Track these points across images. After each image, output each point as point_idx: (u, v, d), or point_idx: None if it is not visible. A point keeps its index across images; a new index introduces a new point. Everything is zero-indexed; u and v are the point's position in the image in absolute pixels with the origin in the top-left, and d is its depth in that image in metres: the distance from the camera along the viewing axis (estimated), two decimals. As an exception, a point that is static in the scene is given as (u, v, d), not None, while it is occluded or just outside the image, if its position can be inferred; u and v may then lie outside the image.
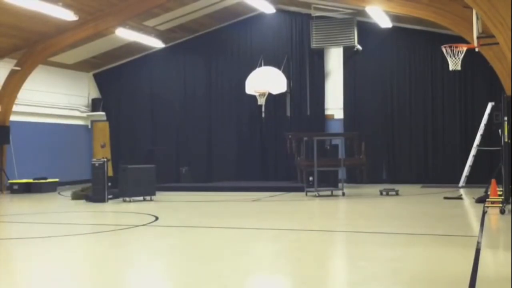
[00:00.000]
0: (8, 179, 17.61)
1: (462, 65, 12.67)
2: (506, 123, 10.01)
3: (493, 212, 10.05)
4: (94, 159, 14.42)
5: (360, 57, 18.51)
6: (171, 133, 20.47)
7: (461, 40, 13.78)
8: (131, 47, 19.85)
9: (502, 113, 10.15)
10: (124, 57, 20.91)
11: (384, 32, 17.82)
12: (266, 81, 17.89)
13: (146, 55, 20.75)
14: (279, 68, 18.58)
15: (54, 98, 19.89)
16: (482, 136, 16.01)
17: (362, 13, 17.05)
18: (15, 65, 17.44)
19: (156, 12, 17.37)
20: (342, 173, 15.68)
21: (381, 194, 14.04)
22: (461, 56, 12.42)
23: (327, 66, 19.10)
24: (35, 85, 18.76)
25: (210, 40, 20.08)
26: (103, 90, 21.59)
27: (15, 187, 17.16)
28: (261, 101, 18.12)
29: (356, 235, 8.35)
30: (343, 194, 14.03)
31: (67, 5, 14.52)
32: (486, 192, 12.01)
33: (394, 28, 17.65)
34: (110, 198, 13.61)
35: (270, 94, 18.07)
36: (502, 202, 10.02)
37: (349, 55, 18.65)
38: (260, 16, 19.30)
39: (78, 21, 15.57)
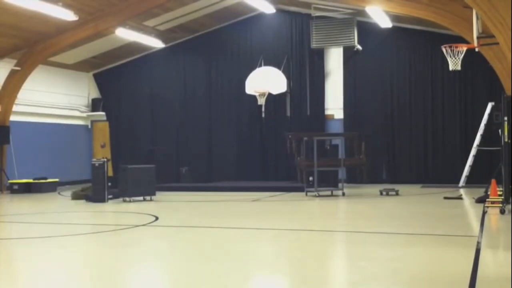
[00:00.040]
0: (8, 179, 17.61)
1: (462, 65, 12.67)
2: (506, 123, 10.01)
3: (493, 212, 10.05)
4: (94, 159, 14.42)
5: (360, 57, 18.51)
6: (171, 133, 20.46)
7: (461, 40, 13.78)
8: (131, 47, 19.85)
9: (502, 113, 10.15)
10: (124, 57, 20.91)
11: (384, 32, 17.82)
12: (266, 81, 17.89)
13: (146, 55, 20.75)
14: (279, 68, 18.57)
15: (54, 98, 19.89)
16: (482, 136, 16.00)
17: (362, 13, 17.05)
18: (15, 65, 17.44)
19: (156, 12, 17.37)
20: (342, 173, 15.68)
21: (381, 194, 14.04)
22: (461, 56, 12.42)
23: (327, 66, 19.10)
24: (35, 85, 18.76)
25: (210, 40, 20.08)
26: (103, 90, 21.59)
27: (15, 187, 17.16)
28: (261, 101, 18.12)
29: (356, 235, 8.35)
30: (343, 194, 14.03)
31: (67, 5, 14.52)
32: (486, 192, 12.01)
33: (394, 28, 17.65)
34: (110, 198, 13.62)
35: (270, 94, 18.06)
36: (502, 202, 10.02)
37: (349, 55, 18.65)
38: (260, 16, 19.29)
39: (78, 21, 15.57)
